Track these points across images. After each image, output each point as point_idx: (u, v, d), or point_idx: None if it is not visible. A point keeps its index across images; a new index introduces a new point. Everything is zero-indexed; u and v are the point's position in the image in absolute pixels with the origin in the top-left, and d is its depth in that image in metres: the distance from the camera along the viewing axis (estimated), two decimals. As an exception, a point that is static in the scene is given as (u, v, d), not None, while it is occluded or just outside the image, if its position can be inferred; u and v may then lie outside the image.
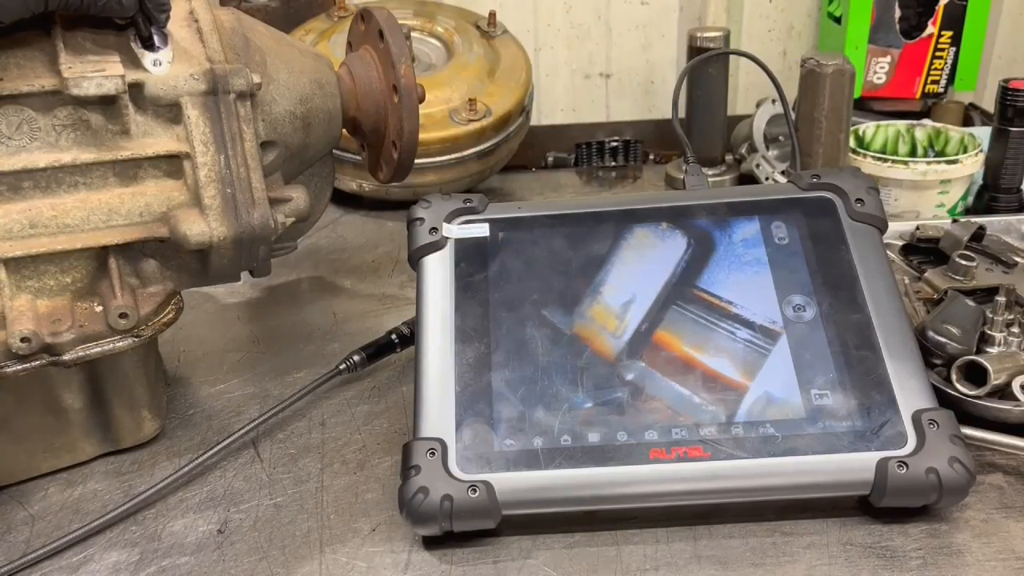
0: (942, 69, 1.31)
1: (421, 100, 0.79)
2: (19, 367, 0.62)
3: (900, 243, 0.88)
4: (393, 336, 0.80)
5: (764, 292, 0.67)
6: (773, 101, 1.14)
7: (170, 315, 0.69)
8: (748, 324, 0.65)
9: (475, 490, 0.58)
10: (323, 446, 0.72)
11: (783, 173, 1.10)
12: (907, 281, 0.81)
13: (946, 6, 1.27)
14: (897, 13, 1.28)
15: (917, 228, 0.87)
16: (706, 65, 1.14)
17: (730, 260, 0.68)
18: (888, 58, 1.30)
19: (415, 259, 0.71)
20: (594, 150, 1.33)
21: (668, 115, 1.24)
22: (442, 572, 0.58)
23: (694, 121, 1.20)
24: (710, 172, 1.20)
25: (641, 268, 0.69)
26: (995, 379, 0.66)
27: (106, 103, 0.63)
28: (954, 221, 0.88)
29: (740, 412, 0.61)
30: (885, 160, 1.00)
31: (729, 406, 0.61)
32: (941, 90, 1.33)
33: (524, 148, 1.27)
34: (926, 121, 1.11)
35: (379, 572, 0.59)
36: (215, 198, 0.65)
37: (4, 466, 0.68)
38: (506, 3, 1.38)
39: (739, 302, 0.66)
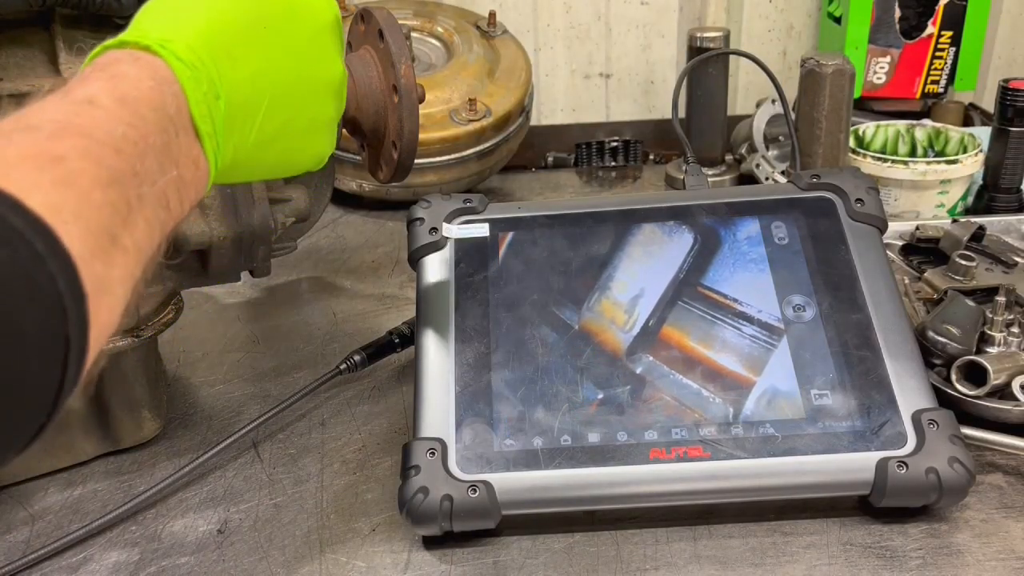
0: (942, 69, 1.31)
1: (421, 100, 0.79)
2: (19, 367, 0.62)
3: (900, 243, 0.88)
4: (393, 336, 0.80)
5: (764, 292, 0.67)
6: (773, 101, 1.14)
7: (170, 315, 0.69)
8: (753, 321, 0.65)
9: (475, 490, 0.58)
10: (323, 446, 0.72)
11: (783, 173, 1.10)
12: (907, 281, 0.81)
13: (946, 6, 1.27)
14: (897, 13, 1.28)
15: (917, 228, 0.87)
16: (706, 65, 1.14)
17: (735, 258, 0.69)
18: (888, 58, 1.30)
19: (415, 259, 0.71)
20: (594, 150, 1.33)
21: (668, 115, 1.24)
22: (442, 572, 0.58)
23: (694, 121, 1.20)
24: (710, 172, 1.20)
25: (649, 264, 0.69)
26: (995, 379, 0.66)
27: (106, 103, 0.63)
28: (954, 221, 0.88)
29: (747, 405, 0.61)
30: (885, 160, 1.00)
31: (737, 400, 0.61)
32: (941, 90, 1.32)
33: (524, 148, 1.27)
34: (926, 121, 1.11)
35: (379, 572, 0.59)
36: (215, 198, 0.65)
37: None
38: (506, 3, 1.38)
39: (743, 299, 0.66)
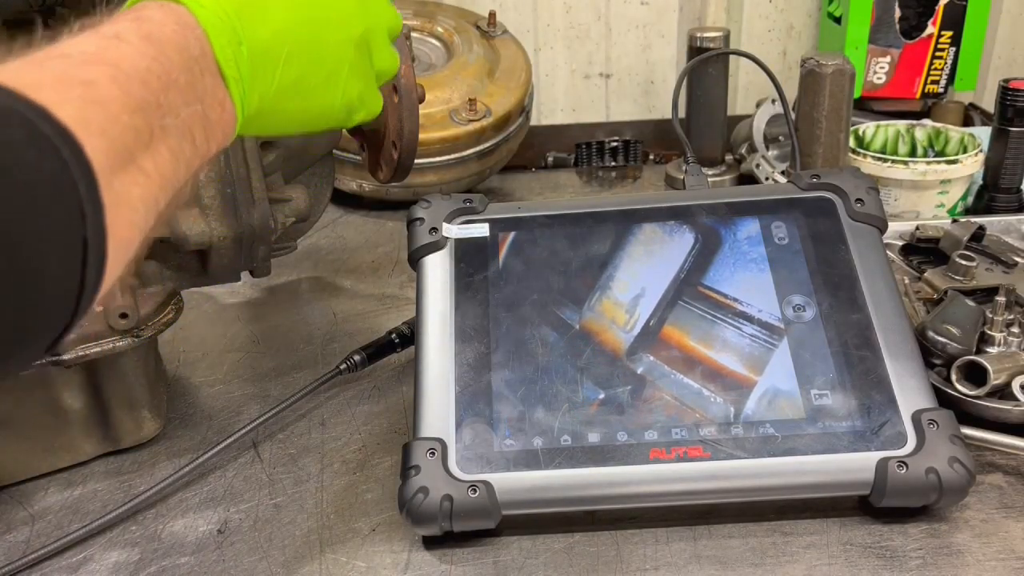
0: (942, 69, 1.31)
1: (421, 100, 0.79)
2: (19, 367, 0.62)
3: (900, 243, 0.88)
4: (393, 336, 0.80)
5: (764, 292, 0.67)
6: (773, 101, 1.14)
7: (170, 315, 0.69)
8: (754, 321, 0.65)
9: (475, 490, 0.58)
10: (323, 446, 0.72)
11: (783, 173, 1.10)
12: (907, 281, 0.81)
13: (946, 6, 1.27)
14: (897, 13, 1.28)
15: (917, 228, 0.87)
16: (706, 65, 1.14)
17: (735, 258, 0.69)
18: (888, 58, 1.30)
19: (415, 259, 0.71)
20: (594, 150, 1.33)
21: (668, 115, 1.24)
22: (442, 572, 0.58)
23: (694, 121, 1.20)
24: (710, 172, 1.20)
25: (650, 264, 0.69)
26: (995, 379, 0.65)
27: (106, 103, 0.63)
28: (954, 221, 0.87)
29: (748, 405, 0.61)
30: (885, 160, 1.00)
31: (738, 400, 0.61)
32: (941, 90, 1.32)
33: (524, 148, 1.27)
34: (926, 121, 1.11)
35: (379, 572, 0.59)
36: (215, 198, 0.65)
37: (4, 466, 0.68)
38: (506, 3, 1.38)
39: (744, 299, 0.66)
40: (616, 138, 1.33)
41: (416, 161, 0.81)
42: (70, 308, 0.35)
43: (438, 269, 0.69)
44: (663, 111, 1.45)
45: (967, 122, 1.30)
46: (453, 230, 0.71)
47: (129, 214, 0.38)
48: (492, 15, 1.25)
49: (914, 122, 1.10)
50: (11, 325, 0.33)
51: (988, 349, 0.70)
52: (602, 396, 0.62)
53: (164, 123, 0.40)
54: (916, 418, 0.59)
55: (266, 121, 0.50)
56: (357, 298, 0.96)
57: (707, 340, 0.65)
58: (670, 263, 0.69)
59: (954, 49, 1.30)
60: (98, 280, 0.36)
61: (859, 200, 0.70)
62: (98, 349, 0.65)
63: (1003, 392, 0.67)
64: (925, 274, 0.80)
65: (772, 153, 1.15)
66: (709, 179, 1.12)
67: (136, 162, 0.38)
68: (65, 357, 0.63)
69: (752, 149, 1.16)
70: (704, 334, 0.65)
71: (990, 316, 0.71)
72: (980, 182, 1.03)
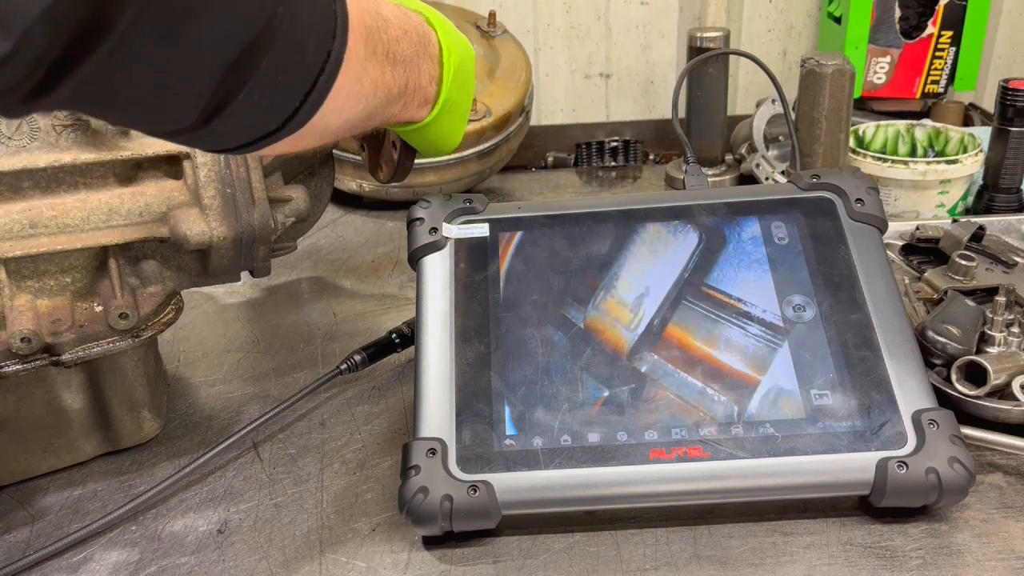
0: (942, 69, 1.31)
1: (421, 100, 0.79)
2: (19, 367, 0.62)
3: (900, 243, 0.88)
4: (393, 336, 0.80)
5: (765, 292, 0.67)
6: (773, 101, 1.14)
7: (170, 315, 0.69)
8: (757, 321, 0.65)
9: (475, 490, 0.58)
10: (323, 446, 0.72)
11: (783, 173, 1.10)
12: (907, 281, 0.81)
13: (946, 6, 1.27)
14: (897, 13, 1.28)
15: (917, 228, 0.87)
16: (706, 65, 1.14)
17: (738, 258, 0.69)
18: (888, 58, 1.30)
19: (415, 259, 0.71)
20: (594, 150, 1.33)
21: (668, 115, 1.24)
22: (442, 572, 0.58)
23: (694, 121, 1.20)
24: (710, 172, 1.20)
25: (654, 263, 0.69)
26: (995, 379, 0.65)
27: (106, 103, 0.63)
28: (954, 221, 0.87)
29: (752, 405, 0.61)
30: (885, 160, 1.00)
31: (741, 399, 0.61)
32: (941, 90, 1.33)
33: (524, 148, 1.27)
34: (926, 121, 1.11)
35: (379, 572, 0.59)
36: (215, 198, 0.65)
37: (4, 466, 0.68)
38: (506, 3, 1.38)
39: (746, 299, 0.66)
40: (616, 138, 1.32)
41: (416, 161, 0.81)
42: (307, 86, 0.45)
43: (438, 269, 0.69)
44: (663, 111, 1.45)
45: (967, 122, 1.30)
46: (453, 230, 0.71)
47: (357, 68, 0.49)
48: (492, 15, 1.25)
49: (914, 122, 1.10)
50: (281, 78, 0.43)
51: (988, 349, 0.70)
52: (605, 394, 0.62)
53: (394, 48, 0.54)
54: (916, 418, 0.60)
55: (435, 128, 0.64)
56: (357, 298, 0.96)
57: (711, 339, 0.65)
58: (674, 263, 0.69)
59: (954, 49, 1.30)
60: (329, 82, 0.46)
61: (859, 200, 0.70)
62: (98, 349, 0.65)
63: (1003, 392, 0.67)
64: (925, 274, 0.80)
65: (772, 153, 1.15)
66: (709, 179, 1.12)
67: (373, 49, 0.51)
68: (65, 357, 0.63)
69: (752, 149, 1.16)
70: (708, 334, 0.65)
71: (990, 316, 0.71)
72: (980, 182, 1.03)
